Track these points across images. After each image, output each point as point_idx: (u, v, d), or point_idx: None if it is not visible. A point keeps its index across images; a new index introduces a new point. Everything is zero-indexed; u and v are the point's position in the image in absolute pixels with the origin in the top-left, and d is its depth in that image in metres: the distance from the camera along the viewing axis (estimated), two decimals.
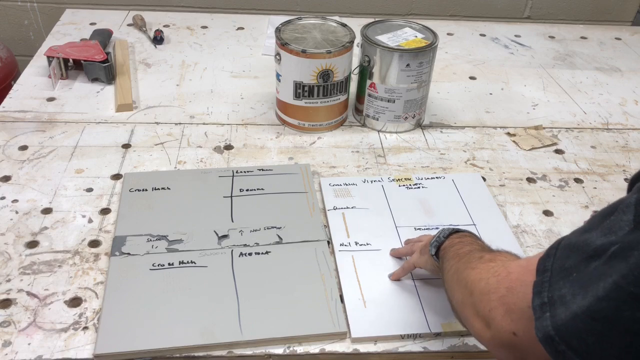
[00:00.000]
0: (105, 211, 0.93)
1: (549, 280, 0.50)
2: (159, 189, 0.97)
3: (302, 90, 1.09)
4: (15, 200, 0.94)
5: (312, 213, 0.94)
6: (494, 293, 0.56)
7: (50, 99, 1.20)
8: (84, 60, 1.24)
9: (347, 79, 1.13)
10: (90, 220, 0.91)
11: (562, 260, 0.51)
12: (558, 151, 1.14)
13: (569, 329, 0.47)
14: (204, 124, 1.16)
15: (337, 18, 1.22)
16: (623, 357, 0.45)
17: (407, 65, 1.08)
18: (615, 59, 1.49)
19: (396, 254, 0.87)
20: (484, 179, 1.05)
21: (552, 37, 1.58)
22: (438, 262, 0.73)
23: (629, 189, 0.56)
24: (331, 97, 1.11)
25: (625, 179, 1.08)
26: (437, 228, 0.92)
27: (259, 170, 1.02)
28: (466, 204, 0.98)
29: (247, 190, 0.97)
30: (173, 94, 1.25)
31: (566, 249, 0.51)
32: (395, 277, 0.84)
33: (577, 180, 1.07)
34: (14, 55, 1.71)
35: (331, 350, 0.75)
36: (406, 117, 1.15)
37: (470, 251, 0.67)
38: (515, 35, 1.58)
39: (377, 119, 1.16)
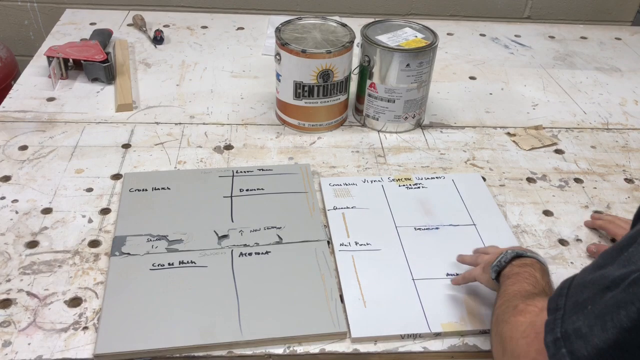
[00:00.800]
0: (105, 211, 0.93)
1: (562, 317, 0.49)
2: (159, 189, 0.97)
3: (302, 90, 1.09)
4: (15, 200, 0.94)
5: (312, 213, 0.94)
6: (524, 357, 0.55)
7: (50, 99, 1.20)
8: (84, 60, 1.24)
9: (347, 79, 1.13)
10: (90, 220, 0.91)
11: (575, 297, 0.50)
12: (558, 151, 1.14)
13: None
14: (204, 124, 1.16)
15: (337, 18, 1.22)
16: None
17: (407, 65, 1.08)
18: (615, 59, 1.49)
19: (461, 261, 0.85)
20: (484, 179, 1.05)
21: (552, 37, 1.58)
22: (498, 285, 0.72)
23: (637, 217, 0.55)
24: (331, 97, 1.11)
25: (626, 179, 1.08)
26: (437, 228, 0.93)
27: (259, 170, 1.02)
28: (466, 204, 0.98)
29: (247, 190, 0.97)
30: (173, 94, 1.25)
31: (579, 286, 0.51)
32: (456, 283, 0.82)
33: (577, 180, 1.07)
34: (14, 55, 1.71)
35: (331, 350, 0.75)
36: (406, 117, 1.15)
37: (516, 293, 0.66)
38: (515, 35, 1.58)
39: (377, 119, 1.16)
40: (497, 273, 0.72)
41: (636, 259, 0.46)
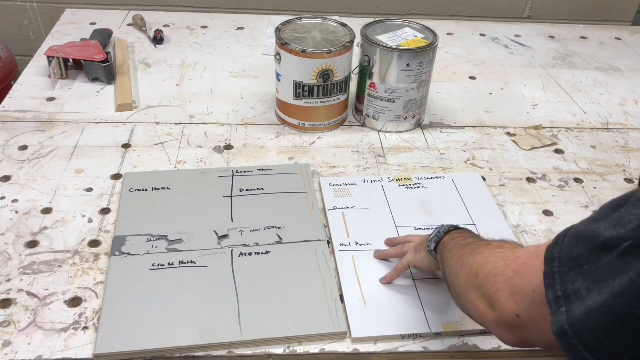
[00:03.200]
0: (105, 211, 0.93)
1: (559, 270, 0.50)
2: (159, 189, 0.97)
3: (302, 90, 1.09)
4: (15, 200, 0.94)
5: (312, 213, 0.94)
6: (501, 275, 0.57)
7: (50, 99, 1.20)
8: (84, 60, 1.24)
9: (347, 79, 1.13)
10: (90, 220, 0.91)
11: (569, 248, 0.51)
12: (558, 151, 1.14)
13: (583, 323, 0.47)
14: (204, 124, 1.16)
15: (337, 18, 1.22)
16: (635, 355, 0.45)
17: (407, 65, 1.08)
18: (615, 59, 1.49)
19: (383, 256, 0.87)
20: (484, 179, 1.05)
21: (552, 37, 1.58)
22: (436, 257, 0.73)
23: None
24: (331, 97, 1.11)
25: (626, 179, 1.08)
26: None
27: (259, 170, 1.02)
28: (466, 204, 0.98)
29: (247, 190, 0.97)
30: (173, 94, 1.25)
31: (573, 237, 0.51)
32: (388, 281, 0.83)
33: (577, 180, 1.07)
34: (14, 55, 1.70)
35: (331, 350, 0.75)
36: (406, 117, 1.15)
37: (474, 242, 0.68)
38: (515, 35, 1.58)
39: (377, 119, 1.16)
40: (437, 243, 0.73)
41: (625, 221, 0.47)
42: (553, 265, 0.51)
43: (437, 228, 0.75)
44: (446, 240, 0.72)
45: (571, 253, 0.50)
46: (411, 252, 0.80)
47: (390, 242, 0.88)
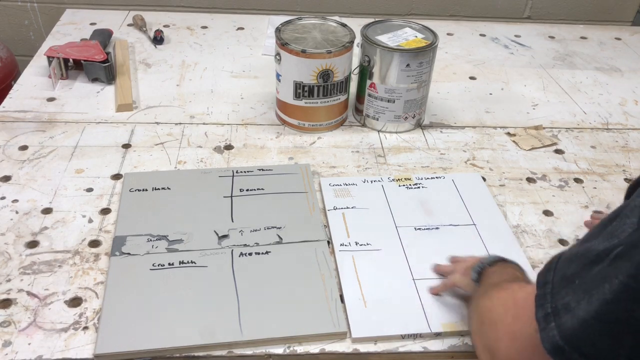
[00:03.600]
0: (105, 211, 0.93)
1: (551, 291, 0.50)
2: (159, 189, 0.97)
3: (302, 90, 1.09)
4: (15, 200, 0.94)
5: (312, 213, 0.94)
6: (500, 323, 0.56)
7: (50, 99, 1.20)
8: (84, 60, 1.24)
9: (347, 79, 1.13)
10: (90, 220, 0.92)
11: (562, 270, 0.50)
12: (558, 151, 1.15)
13: (579, 336, 0.46)
14: (204, 124, 1.16)
15: (337, 18, 1.22)
16: (632, 356, 0.45)
17: (407, 65, 1.08)
18: (615, 59, 1.49)
19: (439, 271, 0.85)
20: (484, 179, 1.05)
21: (552, 37, 1.58)
22: (479, 287, 0.72)
23: (627, 196, 0.55)
24: (331, 97, 1.11)
25: (625, 179, 1.08)
26: (437, 228, 0.93)
27: (259, 170, 1.02)
28: (466, 204, 0.98)
29: (247, 190, 0.97)
30: (173, 94, 1.25)
31: (566, 260, 0.51)
32: (435, 292, 0.82)
33: (577, 180, 1.07)
34: (14, 55, 1.71)
35: (331, 350, 0.75)
36: (406, 117, 1.15)
37: (500, 282, 0.66)
38: (515, 35, 1.58)
39: (377, 119, 1.16)
40: (478, 274, 0.72)
41: (619, 232, 0.47)
42: (545, 288, 0.51)
43: (484, 257, 0.74)
44: (487, 273, 0.71)
45: (565, 273, 0.50)
46: (459, 273, 0.79)
47: (452, 259, 0.86)
